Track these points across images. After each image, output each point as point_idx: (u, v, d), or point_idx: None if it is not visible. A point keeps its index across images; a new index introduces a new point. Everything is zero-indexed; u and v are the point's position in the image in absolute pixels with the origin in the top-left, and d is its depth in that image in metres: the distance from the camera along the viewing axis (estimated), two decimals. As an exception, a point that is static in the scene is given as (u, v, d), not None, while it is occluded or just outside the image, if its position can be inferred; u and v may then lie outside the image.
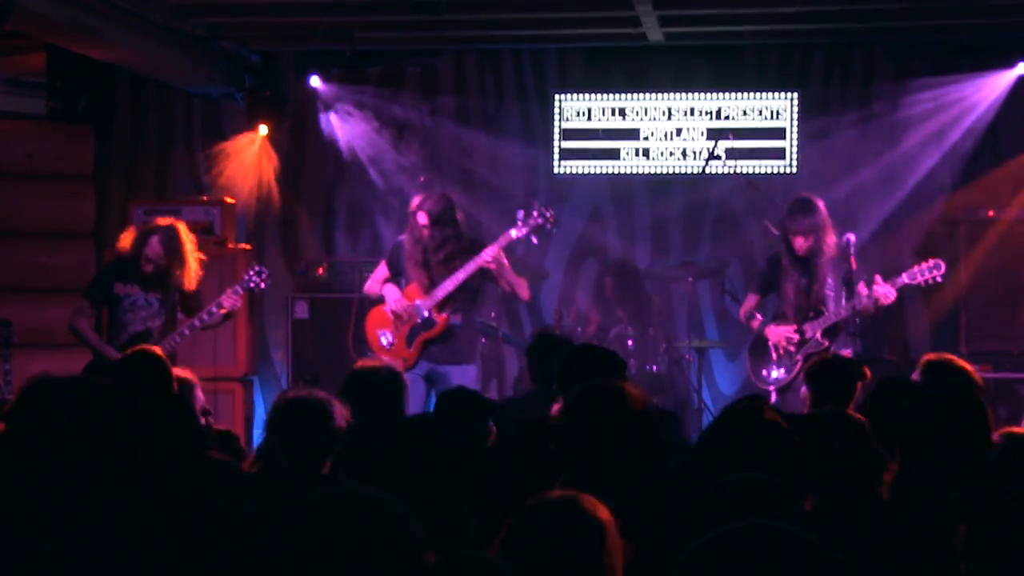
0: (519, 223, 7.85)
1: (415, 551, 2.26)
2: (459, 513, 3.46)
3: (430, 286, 7.78)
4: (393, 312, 7.87)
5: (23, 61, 9.84)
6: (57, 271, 9.74)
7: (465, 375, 7.80)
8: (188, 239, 7.75)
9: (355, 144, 10.45)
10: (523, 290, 7.88)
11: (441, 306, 7.80)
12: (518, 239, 7.85)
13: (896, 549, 3.30)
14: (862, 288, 7.67)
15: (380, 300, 7.98)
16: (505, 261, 7.74)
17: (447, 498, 3.42)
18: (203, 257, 7.89)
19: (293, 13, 9.51)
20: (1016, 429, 4.14)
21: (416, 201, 7.95)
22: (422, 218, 7.78)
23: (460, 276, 7.71)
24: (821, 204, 7.86)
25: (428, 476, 3.44)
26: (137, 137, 10.81)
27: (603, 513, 2.71)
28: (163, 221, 7.84)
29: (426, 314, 7.81)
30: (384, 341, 7.92)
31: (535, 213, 7.86)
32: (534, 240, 8.00)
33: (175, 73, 10.04)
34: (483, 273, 7.75)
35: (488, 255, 7.66)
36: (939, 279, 7.70)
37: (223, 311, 7.70)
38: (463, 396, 5.34)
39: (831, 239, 7.82)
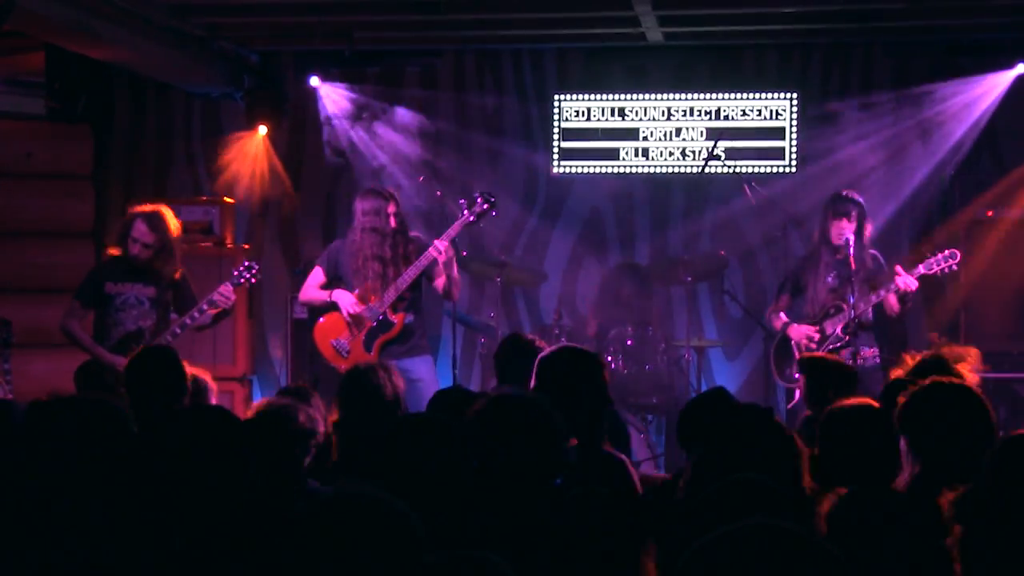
0: (464, 212, 7.93)
1: (416, 550, 2.26)
2: (455, 512, 3.47)
3: (383, 286, 7.82)
4: (351, 315, 7.86)
5: (22, 61, 9.83)
6: (56, 271, 9.73)
7: (426, 364, 7.90)
8: (173, 223, 7.75)
9: (354, 144, 10.44)
10: (458, 288, 8.00)
11: (395, 306, 7.84)
12: (464, 227, 7.95)
13: (898, 547, 3.30)
14: (898, 279, 7.71)
15: (327, 308, 7.98)
16: (452, 253, 7.82)
17: (443, 497, 3.43)
18: (186, 246, 7.90)
19: (292, 13, 9.50)
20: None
21: (371, 201, 7.93)
22: (392, 207, 7.87)
23: (412, 273, 7.80)
24: (861, 199, 8.01)
25: (424, 476, 3.44)
26: (136, 137, 10.81)
27: None
28: (146, 207, 7.81)
29: (381, 316, 7.83)
30: (341, 350, 7.91)
31: (479, 200, 7.96)
32: (481, 226, 8.19)
33: (174, 73, 10.04)
34: (428, 270, 7.83)
35: (440, 247, 7.73)
36: (955, 267, 7.79)
37: (214, 310, 7.68)
38: (457, 395, 5.36)
39: (868, 230, 7.91)
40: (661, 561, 3.55)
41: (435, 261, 7.77)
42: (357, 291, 7.90)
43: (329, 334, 7.95)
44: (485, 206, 7.94)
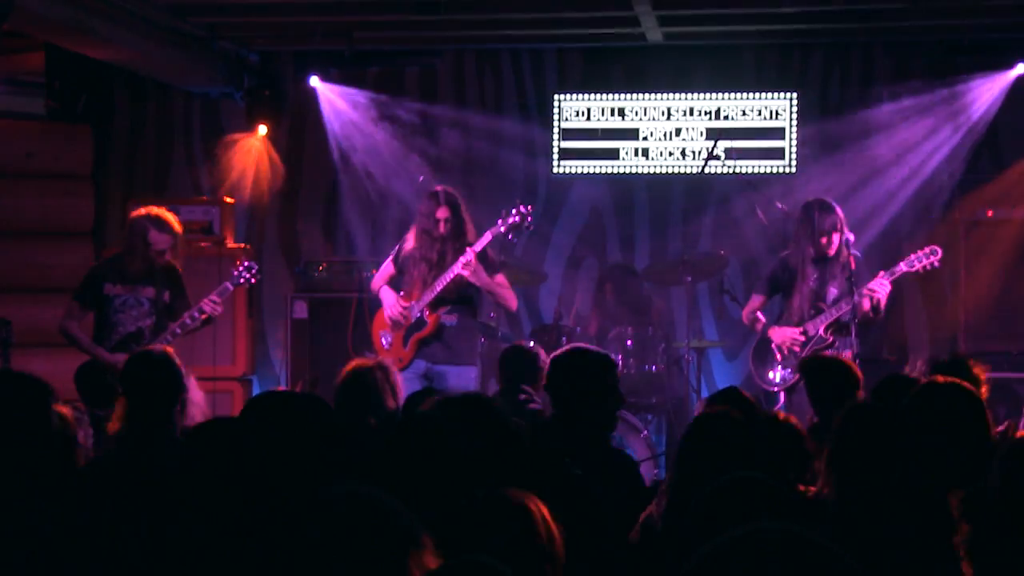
0: (499, 221, 7.87)
1: (415, 551, 2.26)
2: (451, 512, 3.48)
3: (423, 288, 7.82)
4: (389, 318, 7.94)
5: (22, 60, 9.83)
6: (56, 271, 9.73)
7: (463, 376, 7.83)
8: (171, 217, 7.76)
9: (354, 144, 10.44)
10: (508, 301, 7.90)
11: (433, 306, 7.83)
12: (495, 237, 7.85)
13: (900, 547, 3.30)
14: (870, 285, 7.71)
15: (380, 303, 8.06)
16: (481, 270, 7.70)
17: (439, 497, 3.43)
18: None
19: (292, 13, 9.51)
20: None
21: (426, 203, 7.92)
22: (442, 212, 7.80)
23: (448, 276, 7.75)
24: (836, 205, 7.97)
25: (422, 476, 3.45)
26: (136, 136, 10.81)
27: (532, 505, 2.85)
28: (138, 214, 7.79)
29: (418, 314, 7.85)
30: (384, 342, 8.01)
31: (514, 211, 7.87)
32: (512, 238, 8.09)
33: (174, 73, 10.04)
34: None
35: (463, 260, 7.67)
36: (936, 264, 7.76)
37: (205, 316, 7.67)
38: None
39: (848, 234, 7.90)
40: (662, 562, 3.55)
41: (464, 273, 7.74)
42: (403, 290, 7.95)
43: (379, 326, 8.07)
44: (516, 218, 7.83)
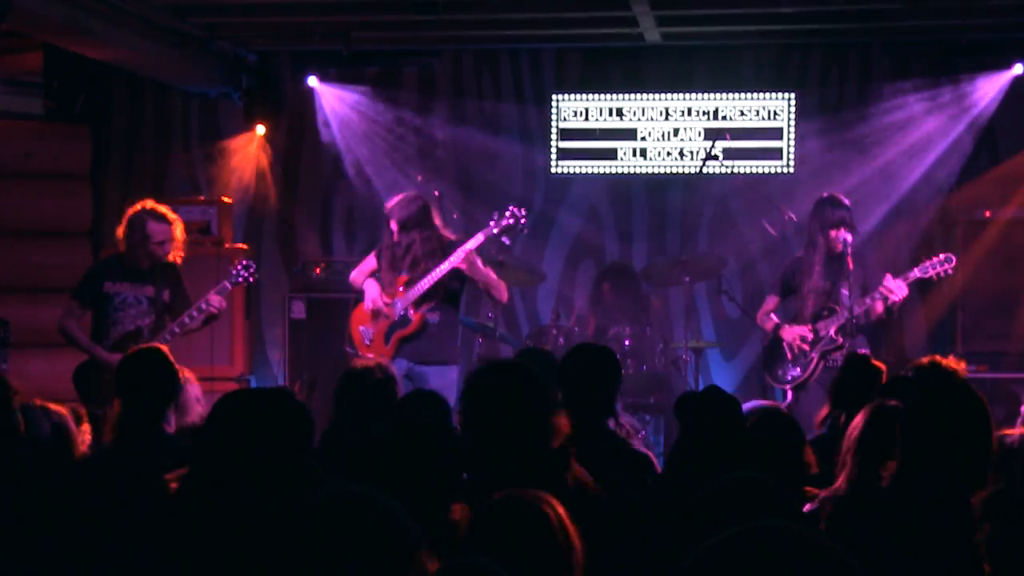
0: (492, 223, 7.91)
1: (413, 551, 2.25)
2: (446, 513, 3.47)
3: (408, 284, 7.83)
4: (371, 309, 7.93)
5: (20, 60, 9.82)
6: (54, 271, 9.73)
7: (444, 376, 7.82)
8: (167, 210, 7.77)
9: (352, 144, 10.44)
10: (500, 292, 7.94)
11: (417, 304, 7.84)
12: (488, 238, 7.90)
13: (907, 547, 3.30)
14: (887, 280, 7.71)
15: (362, 294, 8.05)
16: (477, 260, 7.76)
17: (435, 498, 3.43)
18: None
19: (290, 13, 9.50)
20: (1012, 431, 4.14)
21: (388, 206, 8.03)
22: (392, 224, 7.87)
23: (435, 276, 7.77)
24: (847, 202, 7.99)
25: (419, 477, 3.44)
26: (134, 137, 10.80)
27: (557, 508, 2.86)
28: (135, 209, 7.79)
29: (402, 311, 7.86)
30: (365, 338, 7.97)
31: (507, 213, 7.93)
32: (505, 240, 8.11)
33: (172, 73, 10.04)
34: (458, 273, 7.78)
35: (459, 256, 7.69)
36: (950, 271, 7.79)
37: (204, 315, 7.68)
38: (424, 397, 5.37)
39: (846, 237, 7.92)
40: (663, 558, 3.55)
41: (460, 268, 7.76)
42: (388, 284, 7.97)
43: (359, 321, 8.05)
44: (511, 220, 7.89)
